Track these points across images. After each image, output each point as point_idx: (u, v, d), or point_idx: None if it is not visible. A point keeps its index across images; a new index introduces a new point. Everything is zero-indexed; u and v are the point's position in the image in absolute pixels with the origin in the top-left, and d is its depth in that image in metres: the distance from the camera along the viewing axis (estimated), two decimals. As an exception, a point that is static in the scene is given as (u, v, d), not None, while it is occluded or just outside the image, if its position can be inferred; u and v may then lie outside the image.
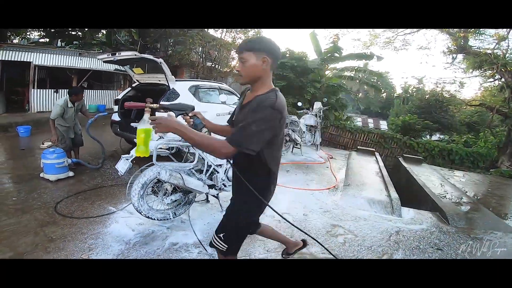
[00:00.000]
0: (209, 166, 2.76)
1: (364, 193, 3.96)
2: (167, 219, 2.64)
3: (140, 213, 2.53)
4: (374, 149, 8.04)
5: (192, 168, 2.65)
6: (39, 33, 11.50)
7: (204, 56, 12.81)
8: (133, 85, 5.38)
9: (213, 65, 13.05)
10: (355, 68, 11.59)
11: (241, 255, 1.99)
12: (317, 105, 6.88)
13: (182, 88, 4.70)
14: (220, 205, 3.07)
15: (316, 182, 4.53)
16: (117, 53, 4.16)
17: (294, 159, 5.85)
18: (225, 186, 2.91)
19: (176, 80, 4.69)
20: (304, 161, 5.86)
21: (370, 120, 27.08)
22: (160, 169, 2.39)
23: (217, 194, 2.94)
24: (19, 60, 7.77)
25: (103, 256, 2.17)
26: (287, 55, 11.67)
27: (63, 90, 8.98)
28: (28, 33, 11.68)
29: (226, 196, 3.25)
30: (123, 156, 2.60)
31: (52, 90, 8.90)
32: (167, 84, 4.57)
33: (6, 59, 7.54)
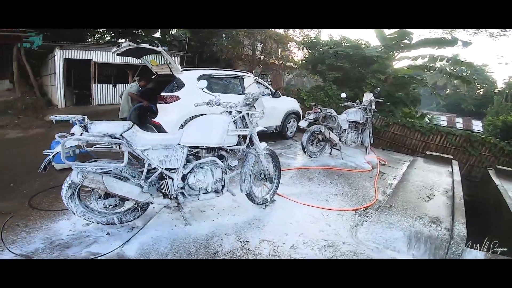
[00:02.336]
0: (151, 170, 2.16)
1: (408, 221, 2.67)
2: (110, 224, 2.25)
3: (74, 214, 2.15)
4: (451, 156, 6.07)
5: (123, 170, 2.07)
6: (109, 35, 12.85)
7: (253, 48, 12.29)
8: (152, 77, 5.21)
9: (263, 57, 12.42)
10: (435, 57, 9.27)
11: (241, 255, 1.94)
12: (367, 96, 5.48)
13: (189, 78, 4.22)
14: (184, 218, 2.42)
15: (343, 197, 3.40)
16: (115, 46, 3.95)
17: (328, 164, 4.71)
18: (183, 195, 2.22)
19: (184, 70, 4.35)
20: (341, 167, 4.65)
21: (459, 120, 22.34)
22: (75, 170, 1.86)
23: (178, 205, 2.29)
24: (80, 58, 8.62)
25: (13, 250, 2.00)
26: (343, 43, 10.17)
27: (121, 84, 9.73)
28: (103, 34, 13.15)
29: (196, 207, 2.71)
30: None
31: (111, 85, 9.71)
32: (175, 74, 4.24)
33: (69, 57, 8.45)
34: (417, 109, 10.40)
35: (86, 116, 2.01)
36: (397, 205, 3.07)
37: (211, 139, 2.28)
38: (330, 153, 5.27)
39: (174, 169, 2.21)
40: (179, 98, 4.11)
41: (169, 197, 2.24)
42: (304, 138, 4.53)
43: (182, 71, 4.31)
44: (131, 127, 2.05)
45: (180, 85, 4.15)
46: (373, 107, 5.46)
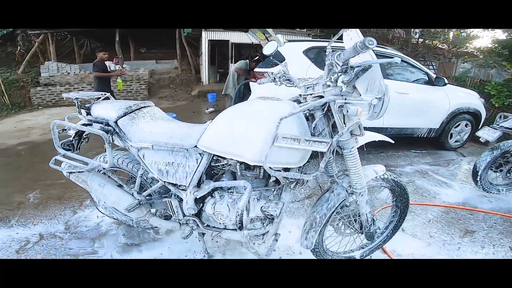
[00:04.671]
0: (146, 178, 1.52)
1: None
2: (128, 224, 1.91)
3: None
4: None
5: (107, 171, 1.50)
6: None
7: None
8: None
9: (423, 40, 9.49)
10: None
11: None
12: None
13: (291, 51, 3.28)
14: (204, 250, 1.66)
15: None
16: None
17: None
18: (197, 223, 1.43)
19: (287, 41, 3.43)
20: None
21: None
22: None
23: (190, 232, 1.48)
24: (220, 39, 9.31)
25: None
26: None
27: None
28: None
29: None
30: None
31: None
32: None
33: (212, 39, 9.27)
34: None
35: (109, 94, 1.55)
36: None
37: (243, 149, 1.19)
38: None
39: (178, 185, 1.36)
40: None
41: (178, 221, 1.43)
42: (484, 159, 2.54)
43: (284, 42, 3.37)
44: (135, 110, 1.39)
45: (279, 59, 3.22)
46: None
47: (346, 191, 1.40)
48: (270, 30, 3.71)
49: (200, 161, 1.28)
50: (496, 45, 8.13)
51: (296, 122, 1.20)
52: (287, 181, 1.32)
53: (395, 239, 2.02)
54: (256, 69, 3.44)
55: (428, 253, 1.94)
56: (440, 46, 10.33)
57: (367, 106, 1.10)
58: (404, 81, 3.70)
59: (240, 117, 1.24)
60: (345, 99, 1.13)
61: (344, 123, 1.18)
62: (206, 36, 9.35)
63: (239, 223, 1.22)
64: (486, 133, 2.53)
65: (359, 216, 1.48)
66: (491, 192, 2.69)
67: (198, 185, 1.32)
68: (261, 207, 1.29)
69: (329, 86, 1.20)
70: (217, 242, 1.90)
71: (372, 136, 1.46)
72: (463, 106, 3.82)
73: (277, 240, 1.49)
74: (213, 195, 1.33)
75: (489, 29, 7.48)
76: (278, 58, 3.31)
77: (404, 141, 4.31)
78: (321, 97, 1.23)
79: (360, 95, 1.16)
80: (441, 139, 3.96)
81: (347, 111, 1.09)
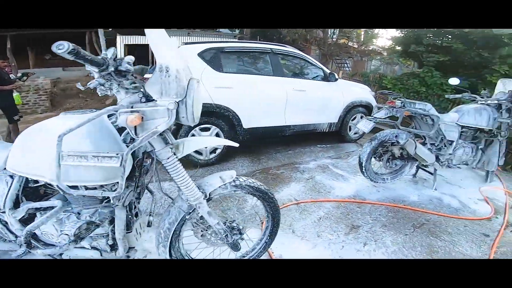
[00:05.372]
0: None
1: None
2: None
3: None
4: None
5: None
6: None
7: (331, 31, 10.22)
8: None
9: (338, 40, 10.25)
10: None
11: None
12: (505, 84, 3.05)
13: (186, 55, 3.03)
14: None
15: None
16: None
17: (403, 197, 2.73)
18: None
19: (184, 44, 3.27)
20: (429, 206, 2.60)
21: None
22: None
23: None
24: (139, 43, 8.66)
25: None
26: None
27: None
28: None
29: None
30: None
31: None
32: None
33: (128, 43, 8.63)
34: None
35: None
36: None
37: (42, 170, 1.08)
38: (415, 175, 3.16)
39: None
40: None
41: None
42: (365, 150, 2.64)
43: (179, 46, 3.15)
44: None
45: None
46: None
47: (178, 209, 1.25)
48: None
49: (11, 184, 1.20)
50: (393, 43, 9.21)
51: (93, 137, 1.04)
52: (116, 198, 1.17)
53: (284, 242, 1.95)
54: (146, 75, 3.07)
55: (314, 255, 1.87)
56: (351, 45, 11.36)
57: (166, 112, 1.00)
58: (301, 78, 3.76)
59: (35, 136, 1.13)
60: (132, 107, 1.02)
61: (135, 134, 1.04)
62: (121, 40, 8.55)
63: (27, 241, 1.19)
64: (363, 125, 2.64)
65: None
66: (377, 182, 2.82)
67: (18, 206, 1.23)
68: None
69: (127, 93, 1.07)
70: None
71: (207, 142, 1.33)
72: (356, 100, 4.07)
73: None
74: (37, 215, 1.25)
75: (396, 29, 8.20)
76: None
77: (315, 137, 4.44)
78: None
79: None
80: (342, 132, 4.16)
81: (115, 121, 1.03)
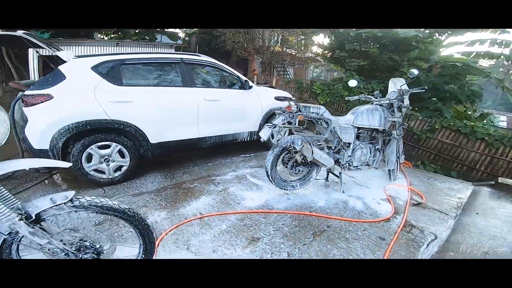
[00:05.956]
0: None
1: None
2: None
3: None
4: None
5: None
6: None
7: (263, 38, 10.47)
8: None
9: (279, 48, 10.58)
10: (499, 42, 6.53)
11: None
12: (395, 84, 3.32)
13: (76, 69, 2.76)
14: None
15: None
16: None
17: (311, 202, 2.74)
18: None
19: (77, 57, 2.88)
20: (333, 210, 2.64)
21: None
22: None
23: None
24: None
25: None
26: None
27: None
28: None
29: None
30: None
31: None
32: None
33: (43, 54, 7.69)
34: (476, 107, 7.48)
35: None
36: None
37: None
38: (327, 179, 3.24)
39: None
40: (51, 97, 2.56)
41: None
42: (269, 158, 2.60)
43: (72, 58, 2.81)
44: None
45: (58, 78, 2.63)
46: (407, 102, 3.29)
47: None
48: (42, 44, 3.02)
49: None
50: (324, 50, 9.78)
51: None
52: None
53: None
54: (27, 92, 2.63)
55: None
56: (290, 52, 11.77)
57: None
58: (214, 88, 3.65)
59: None
60: None
61: None
62: (33, 53, 7.61)
63: None
64: (263, 132, 2.60)
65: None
66: (287, 189, 2.79)
67: None
68: None
69: None
70: None
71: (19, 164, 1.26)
72: (275, 107, 4.09)
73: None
74: None
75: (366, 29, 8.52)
76: (56, 76, 2.66)
77: (238, 147, 4.34)
78: None
79: None
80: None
81: None
